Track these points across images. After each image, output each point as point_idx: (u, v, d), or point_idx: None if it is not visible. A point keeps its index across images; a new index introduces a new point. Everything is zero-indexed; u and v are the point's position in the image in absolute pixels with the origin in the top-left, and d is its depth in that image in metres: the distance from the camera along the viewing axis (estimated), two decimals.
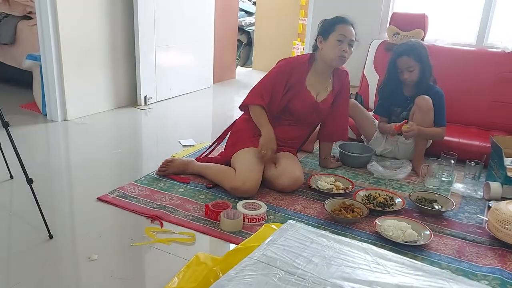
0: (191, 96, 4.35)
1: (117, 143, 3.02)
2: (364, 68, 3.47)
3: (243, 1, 6.41)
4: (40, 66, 3.33)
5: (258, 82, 2.39)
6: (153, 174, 2.41)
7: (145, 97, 3.86)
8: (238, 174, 2.21)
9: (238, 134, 2.43)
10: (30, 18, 3.87)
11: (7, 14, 3.95)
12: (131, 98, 3.89)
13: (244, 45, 6.12)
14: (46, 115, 3.39)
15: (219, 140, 2.62)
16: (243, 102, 2.39)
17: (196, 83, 4.50)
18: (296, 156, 2.47)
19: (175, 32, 4.03)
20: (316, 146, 2.95)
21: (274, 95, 2.34)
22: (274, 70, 2.39)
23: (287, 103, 2.38)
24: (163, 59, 3.96)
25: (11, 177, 2.30)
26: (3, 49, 3.98)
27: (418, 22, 3.31)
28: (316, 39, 2.36)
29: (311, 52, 2.43)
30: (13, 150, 1.82)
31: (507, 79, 3.01)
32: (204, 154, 2.60)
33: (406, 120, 2.56)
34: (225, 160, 2.42)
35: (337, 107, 2.50)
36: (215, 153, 2.64)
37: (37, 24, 3.19)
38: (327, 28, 2.31)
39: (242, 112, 2.51)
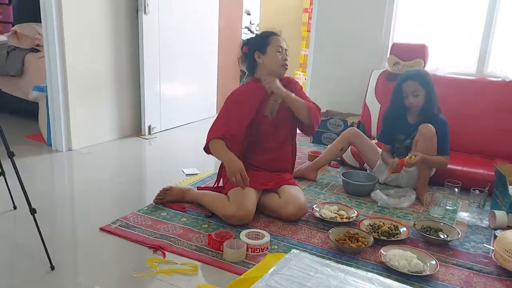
0: (195, 125, 4.39)
1: (121, 173, 3.03)
2: (365, 97, 3.50)
3: (245, 34, 6.55)
4: (46, 97, 3.38)
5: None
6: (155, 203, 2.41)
7: (149, 127, 3.90)
8: (231, 201, 2.20)
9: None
10: (38, 50, 3.96)
11: (15, 47, 4.04)
12: (135, 127, 3.92)
13: (246, 75, 6.21)
14: (51, 145, 3.41)
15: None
16: (204, 145, 2.36)
17: (199, 113, 4.55)
18: (297, 185, 2.46)
19: (179, 63, 4.10)
20: (320, 174, 2.95)
21: (237, 122, 2.31)
22: (228, 102, 2.39)
23: (252, 137, 2.36)
24: (167, 90, 4.02)
25: (15, 207, 2.30)
26: (11, 81, 4.05)
27: (418, 52, 3.36)
28: (254, 56, 2.39)
29: (250, 75, 2.47)
30: (17, 180, 1.83)
31: (508, 107, 3.03)
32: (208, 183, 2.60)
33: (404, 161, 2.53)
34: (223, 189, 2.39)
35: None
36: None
37: (44, 56, 3.27)
38: (262, 42, 2.37)
39: None
